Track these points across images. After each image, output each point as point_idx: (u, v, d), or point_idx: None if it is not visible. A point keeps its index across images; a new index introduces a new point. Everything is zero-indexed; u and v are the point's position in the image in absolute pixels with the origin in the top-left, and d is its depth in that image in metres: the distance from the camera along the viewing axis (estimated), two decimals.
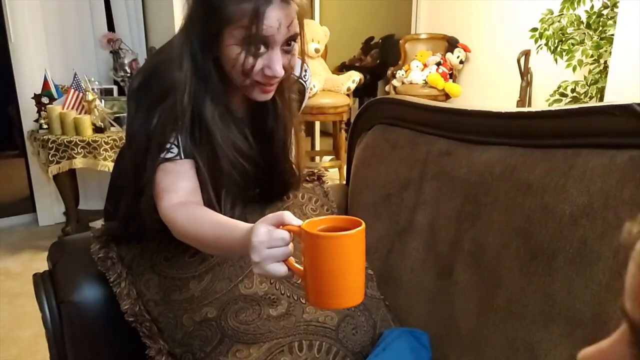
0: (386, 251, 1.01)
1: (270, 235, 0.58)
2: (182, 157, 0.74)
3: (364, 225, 0.58)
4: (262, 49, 0.70)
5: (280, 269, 0.59)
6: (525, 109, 0.81)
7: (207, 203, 0.75)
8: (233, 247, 0.66)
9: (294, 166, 0.92)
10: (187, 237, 0.71)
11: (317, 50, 2.99)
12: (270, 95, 0.78)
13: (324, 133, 3.93)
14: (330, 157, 3.54)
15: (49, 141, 2.25)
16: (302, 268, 0.60)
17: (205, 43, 0.72)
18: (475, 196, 0.85)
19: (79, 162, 2.28)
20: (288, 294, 0.83)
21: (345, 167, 3.52)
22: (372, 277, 0.98)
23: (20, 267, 2.26)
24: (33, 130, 2.46)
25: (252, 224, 0.62)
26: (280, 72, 0.72)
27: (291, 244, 0.60)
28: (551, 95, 2.59)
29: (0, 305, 1.93)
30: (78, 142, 2.26)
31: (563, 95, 2.53)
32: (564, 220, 0.70)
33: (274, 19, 0.68)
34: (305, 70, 0.98)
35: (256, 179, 0.85)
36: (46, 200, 2.76)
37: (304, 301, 0.83)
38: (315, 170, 1.08)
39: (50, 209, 2.79)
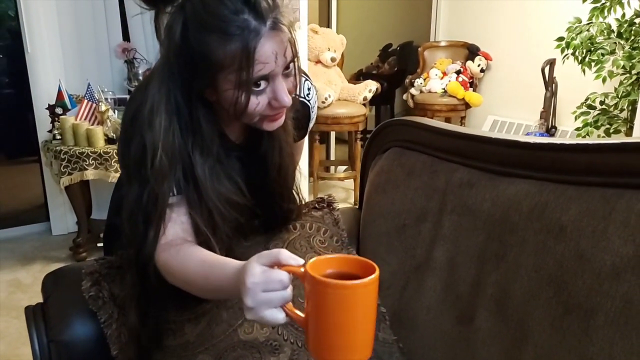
0: (400, 287, 0.93)
1: (266, 277, 0.51)
2: (175, 192, 0.68)
3: (377, 271, 0.51)
4: (263, 84, 0.65)
5: (278, 315, 0.52)
6: (558, 140, 0.72)
7: (203, 244, 0.68)
8: (225, 288, 0.59)
9: (295, 193, 0.86)
10: (176, 280, 0.65)
11: (333, 60, 2.92)
12: (281, 122, 0.72)
13: (339, 140, 3.86)
14: (345, 167, 3.47)
15: (61, 152, 2.24)
16: (303, 315, 0.53)
17: (191, 95, 0.66)
18: (500, 235, 0.76)
19: (90, 174, 2.26)
20: (292, 340, 0.76)
21: (359, 178, 3.41)
22: (385, 316, 0.91)
23: (31, 278, 2.24)
24: (47, 141, 2.45)
25: (244, 261, 0.55)
26: (289, 101, 0.67)
27: (290, 286, 0.53)
28: (578, 107, 2.47)
29: (7, 319, 1.90)
30: (90, 153, 2.24)
31: (591, 107, 2.41)
32: (603, 272, 0.61)
33: (268, 52, 0.62)
34: (309, 89, 0.91)
35: (254, 211, 0.78)
36: (59, 209, 2.76)
37: None
38: (325, 197, 1.01)
39: (63, 218, 2.78)
